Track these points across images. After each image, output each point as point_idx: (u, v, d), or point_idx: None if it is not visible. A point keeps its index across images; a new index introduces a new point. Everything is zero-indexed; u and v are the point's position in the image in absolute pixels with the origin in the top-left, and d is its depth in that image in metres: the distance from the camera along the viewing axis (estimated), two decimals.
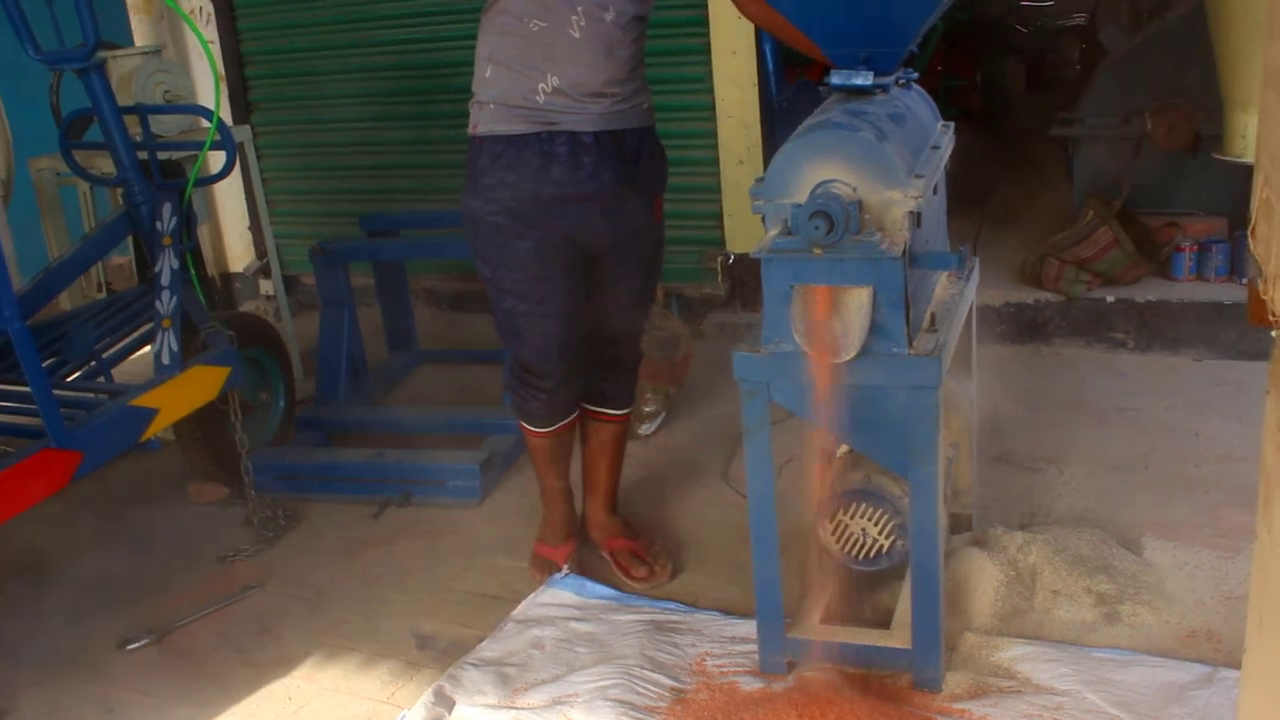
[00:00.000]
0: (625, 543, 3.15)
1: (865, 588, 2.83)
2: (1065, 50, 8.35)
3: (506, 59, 2.72)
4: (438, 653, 2.89)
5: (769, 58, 4.52)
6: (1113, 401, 3.89)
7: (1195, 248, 4.33)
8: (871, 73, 2.43)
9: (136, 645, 3.03)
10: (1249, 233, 1.52)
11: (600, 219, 2.81)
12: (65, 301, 4.22)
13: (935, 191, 2.55)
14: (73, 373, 3.37)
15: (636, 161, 2.84)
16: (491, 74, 2.75)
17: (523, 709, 2.59)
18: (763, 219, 2.31)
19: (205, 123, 4.26)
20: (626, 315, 3.03)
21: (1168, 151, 4.43)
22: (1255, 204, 1.51)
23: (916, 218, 2.24)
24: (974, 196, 5.21)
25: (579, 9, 2.66)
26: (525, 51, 2.69)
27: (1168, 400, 3.87)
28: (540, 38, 2.67)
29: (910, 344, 2.26)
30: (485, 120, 2.77)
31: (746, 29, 4.41)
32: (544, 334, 2.86)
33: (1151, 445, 3.57)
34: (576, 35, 2.67)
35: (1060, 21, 8.81)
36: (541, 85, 2.70)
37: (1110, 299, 4.28)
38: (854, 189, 2.20)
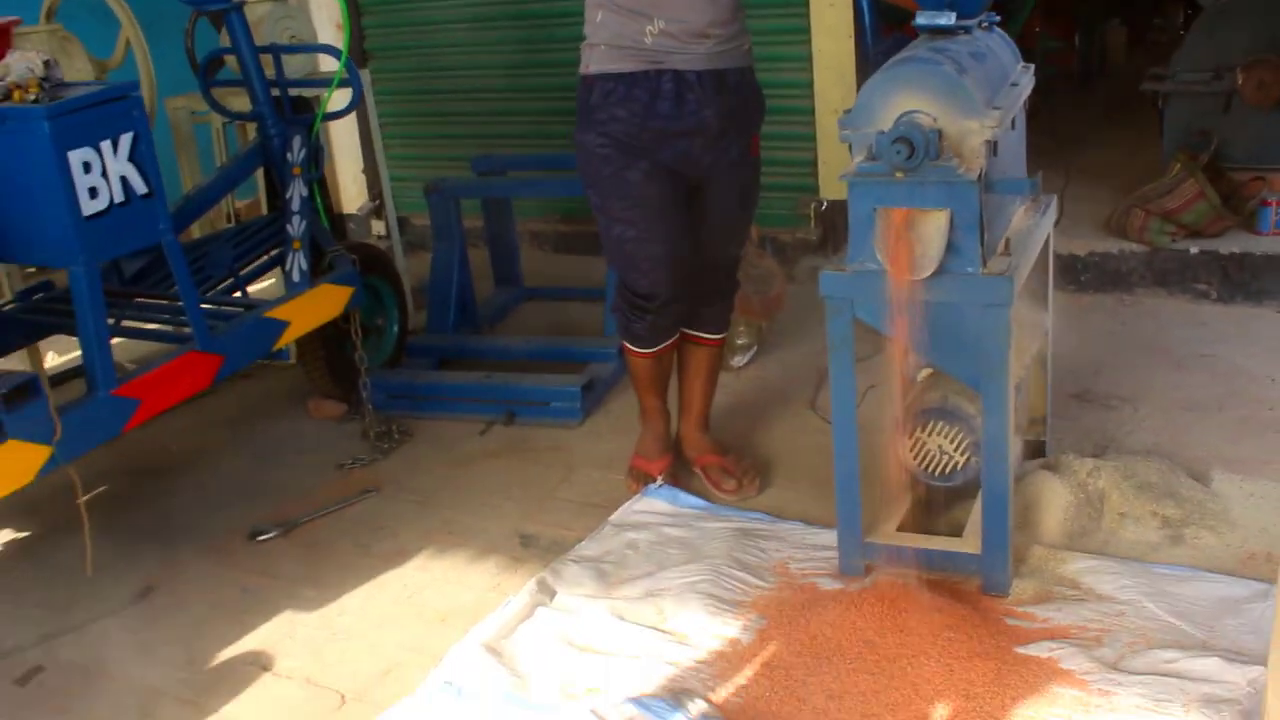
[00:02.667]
0: (716, 458, 3.37)
1: (940, 504, 2.99)
2: (1168, 14, 8.29)
3: (616, 3, 2.93)
4: (540, 550, 3.14)
5: (865, 10, 4.66)
6: (1192, 348, 3.99)
7: None
8: (954, 14, 2.61)
9: (265, 537, 3.31)
10: None
11: (702, 152, 3.02)
12: (195, 231, 4.50)
13: (1013, 126, 2.71)
14: (212, 288, 3.65)
15: (736, 99, 3.04)
16: (602, 18, 2.97)
17: (618, 599, 2.82)
18: (849, 147, 2.50)
19: (327, 66, 4.54)
20: (724, 243, 3.23)
21: (1257, 107, 4.50)
22: None
23: (993, 147, 2.41)
24: (1065, 152, 5.31)
25: None
26: None
27: (1247, 348, 3.96)
28: None
29: (984, 264, 2.43)
30: (596, 60, 2.99)
31: None
32: (650, 258, 3.06)
33: (1228, 389, 3.67)
34: None
35: None
36: (649, 27, 2.91)
37: (1194, 250, 4.36)
38: (934, 118, 2.38)
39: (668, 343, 3.26)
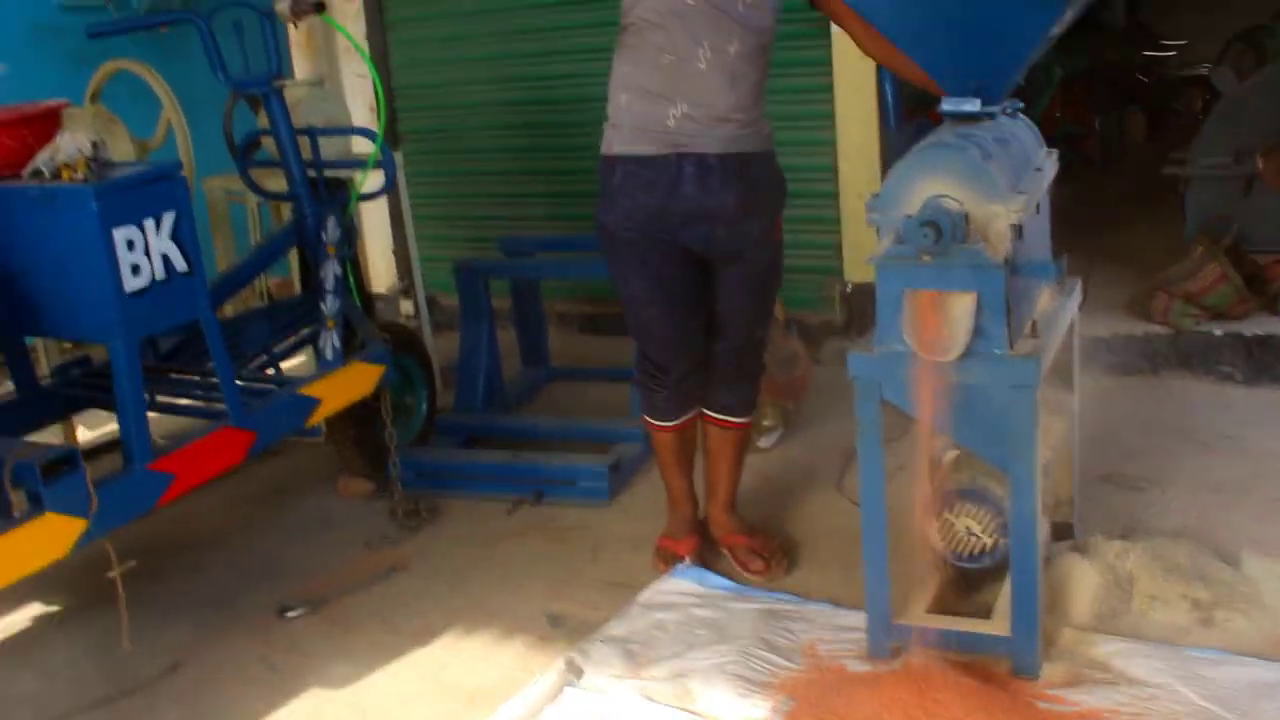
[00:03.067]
0: (743, 539, 3.38)
1: (967, 586, 3.00)
2: (1187, 100, 8.38)
3: (639, 87, 3.02)
4: (568, 630, 3.14)
5: (889, 97, 4.74)
6: (1218, 430, 4.00)
7: None
8: (979, 100, 2.66)
9: (294, 614, 3.32)
10: None
11: (724, 234, 3.08)
12: (229, 309, 4.57)
13: (1038, 210, 2.75)
14: (246, 364, 3.70)
15: (758, 182, 3.10)
16: (626, 100, 3.05)
17: (646, 680, 2.82)
18: (877, 230, 2.55)
19: (358, 149, 4.63)
20: (747, 325, 3.26)
21: (1278, 191, 4.54)
22: None
23: (1018, 230, 2.45)
24: (1088, 236, 5.36)
25: (705, 43, 2.95)
26: (656, 81, 2.99)
27: (1273, 430, 3.96)
28: (670, 69, 2.97)
29: (1011, 345, 2.46)
30: (620, 142, 3.07)
31: (868, 69, 4.63)
32: (667, 337, 3.16)
33: (1254, 470, 3.67)
34: (703, 67, 2.96)
35: (1183, 72, 8.82)
36: (672, 111, 2.99)
37: (1218, 332, 4.39)
38: (960, 203, 2.42)
39: (688, 416, 3.31)
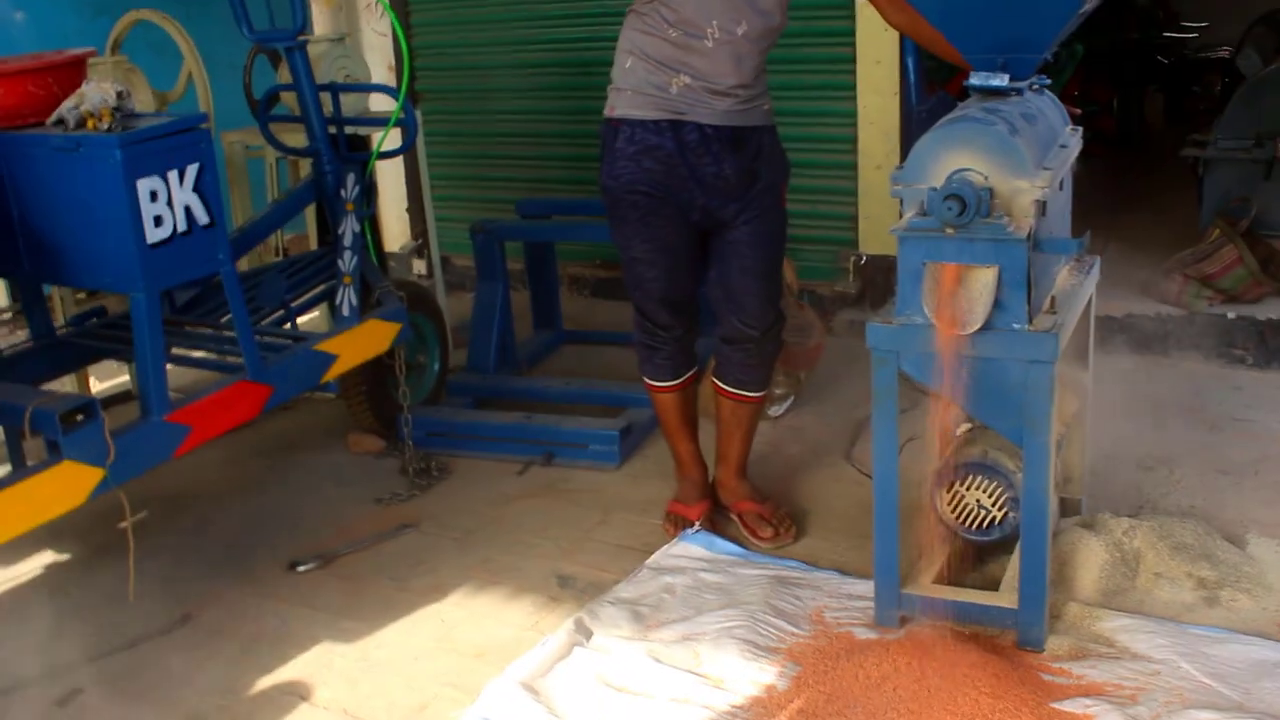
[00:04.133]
0: (753, 505, 3.40)
1: (976, 558, 3.02)
2: (1207, 83, 8.34)
3: (645, 54, 3.05)
4: (577, 591, 3.16)
5: (911, 69, 4.72)
6: (1228, 412, 4.01)
7: None
8: (1007, 76, 2.66)
9: (304, 568, 3.35)
10: None
11: (723, 203, 3.13)
12: (244, 264, 4.58)
13: (1061, 188, 2.75)
14: (263, 319, 3.72)
15: (757, 154, 3.14)
16: (631, 65, 3.09)
17: (654, 642, 2.84)
18: (900, 202, 2.55)
19: (378, 106, 4.63)
20: (758, 298, 3.24)
21: None
22: None
23: (1042, 206, 2.45)
24: (1104, 216, 5.35)
25: (714, 23, 2.98)
26: (663, 51, 3.03)
27: None
28: (678, 43, 3.01)
29: (1030, 321, 2.47)
30: (622, 104, 3.11)
31: (891, 40, 4.62)
32: (666, 297, 3.22)
33: (1263, 453, 3.68)
34: (710, 45, 3.00)
35: (1204, 54, 8.77)
36: (674, 80, 3.03)
37: (1231, 315, 4.39)
38: (985, 177, 2.42)
39: (686, 376, 3.35)
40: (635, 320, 3.33)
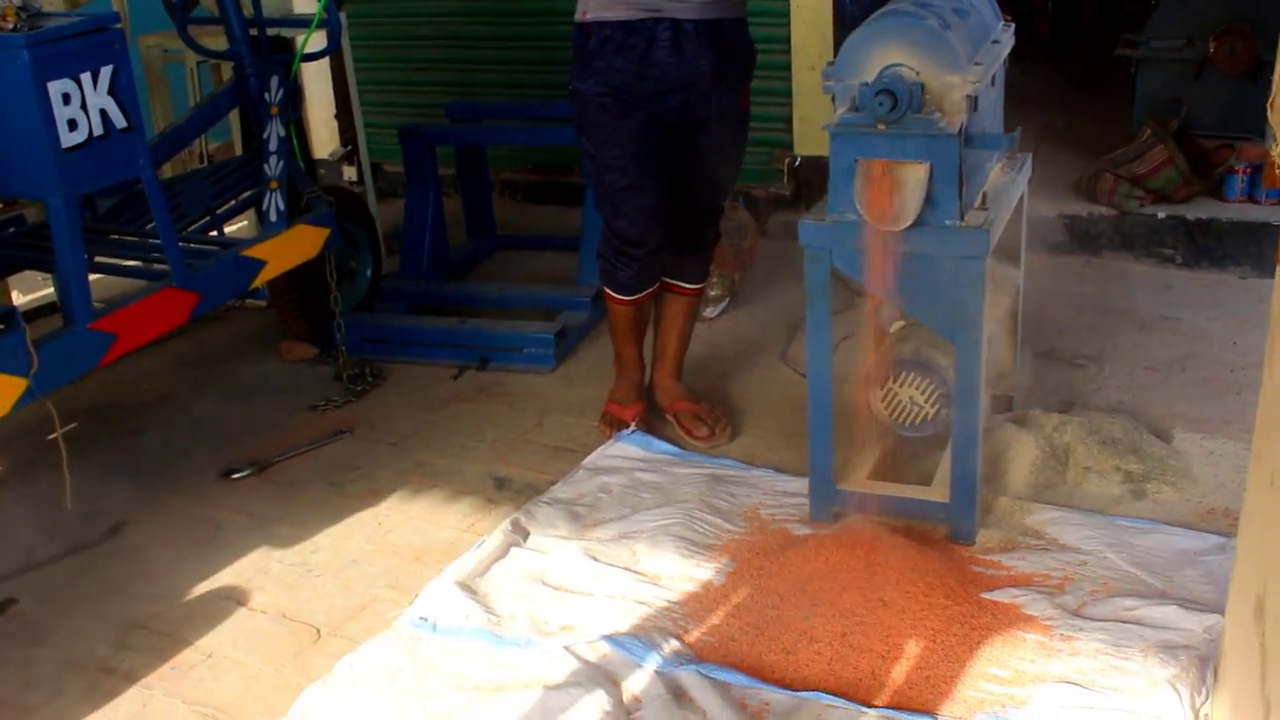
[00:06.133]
0: (688, 405, 3.41)
1: (909, 455, 3.06)
2: None
3: None
4: (513, 493, 3.17)
5: None
6: (1157, 310, 4.06)
7: (1249, 170, 4.44)
8: None
9: (239, 475, 3.33)
10: (1269, 105, 1.73)
11: (697, 103, 3.06)
12: (168, 171, 4.48)
13: (993, 84, 2.74)
14: (188, 226, 3.64)
15: (730, 50, 3.07)
16: None
17: (591, 541, 2.86)
18: (832, 99, 2.53)
19: (301, 8, 4.51)
20: (711, 194, 3.26)
21: (1228, 75, 4.56)
22: (1276, 81, 1.72)
23: (973, 102, 2.44)
24: (1037, 116, 5.36)
25: None
26: None
27: (1210, 312, 4.03)
28: None
29: (962, 217, 2.47)
30: (594, 7, 3.02)
31: None
32: (639, 206, 3.10)
33: (1190, 350, 3.74)
34: None
35: None
36: None
37: (1162, 215, 4.43)
38: (917, 72, 2.41)
39: (649, 290, 3.30)
40: (602, 235, 3.24)
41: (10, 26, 2.78)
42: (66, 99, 2.80)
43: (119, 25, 2.93)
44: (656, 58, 2.98)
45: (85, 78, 2.83)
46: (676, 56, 2.99)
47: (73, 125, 2.82)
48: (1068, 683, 2.27)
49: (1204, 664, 2.28)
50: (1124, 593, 2.55)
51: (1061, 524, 2.82)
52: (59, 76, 2.78)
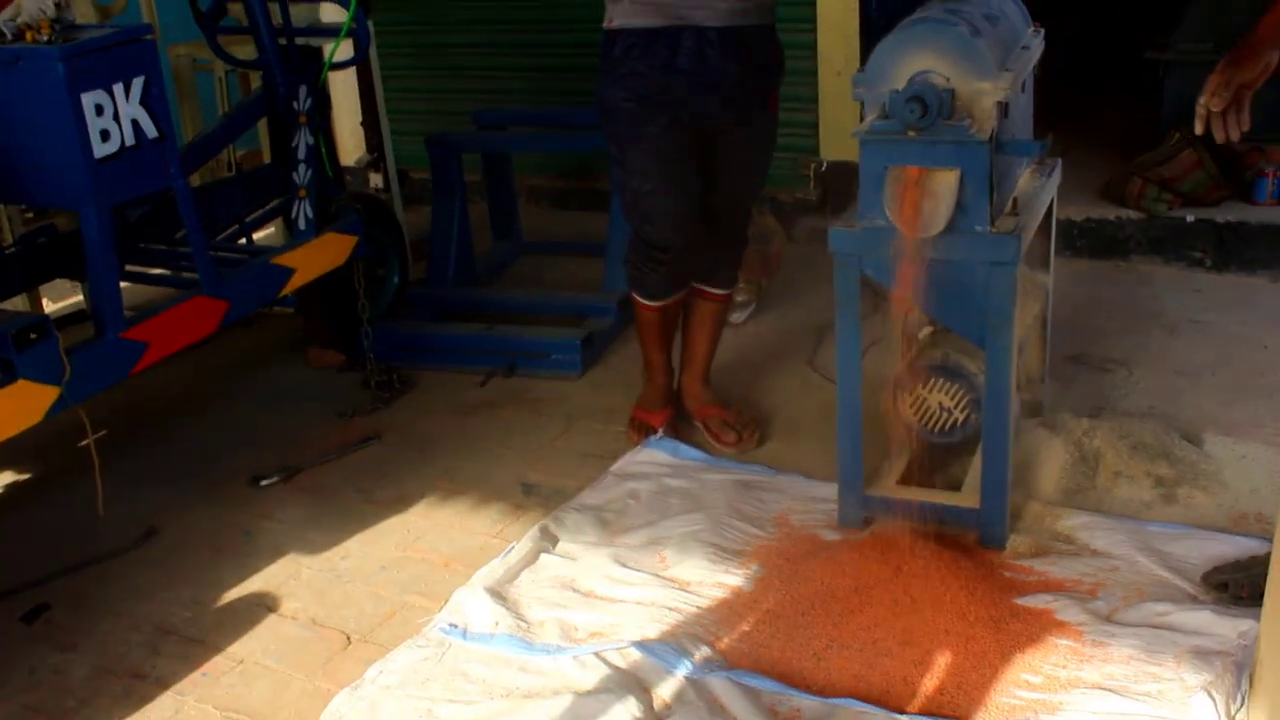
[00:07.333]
0: (716, 411, 3.41)
1: (938, 460, 3.04)
2: None
3: None
4: (542, 499, 3.17)
5: None
6: (1186, 314, 4.04)
7: (1278, 173, 4.41)
8: None
9: (268, 482, 3.34)
10: None
11: (722, 108, 3.06)
12: (196, 180, 4.51)
13: (1023, 90, 2.74)
14: (217, 235, 3.66)
15: (756, 56, 3.07)
16: None
17: (620, 547, 2.86)
18: (861, 105, 2.53)
19: (328, 17, 4.52)
20: (739, 199, 3.26)
21: None
22: None
23: (1004, 108, 2.44)
24: (1065, 119, 5.33)
25: None
26: None
27: (1240, 316, 4.00)
28: None
29: (992, 223, 2.47)
30: (620, 14, 3.02)
31: None
32: (665, 212, 3.10)
33: (1220, 354, 3.72)
34: None
35: None
36: None
37: (1190, 218, 4.40)
38: (948, 79, 2.40)
39: (678, 295, 3.30)
40: (631, 241, 3.23)
41: (45, 39, 2.81)
42: (100, 110, 2.82)
43: (151, 36, 2.95)
44: (680, 64, 2.98)
45: (118, 89, 2.85)
46: (700, 63, 2.98)
47: (105, 136, 2.84)
48: (1100, 689, 2.26)
49: (1239, 670, 2.26)
50: (1156, 598, 2.53)
51: (1092, 529, 2.81)
52: (92, 88, 2.80)
